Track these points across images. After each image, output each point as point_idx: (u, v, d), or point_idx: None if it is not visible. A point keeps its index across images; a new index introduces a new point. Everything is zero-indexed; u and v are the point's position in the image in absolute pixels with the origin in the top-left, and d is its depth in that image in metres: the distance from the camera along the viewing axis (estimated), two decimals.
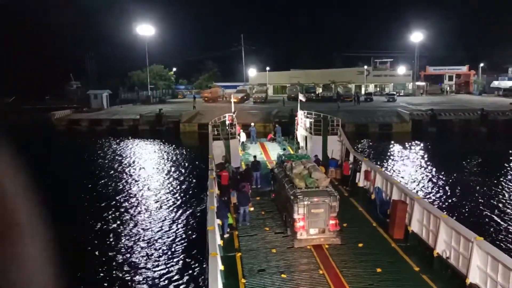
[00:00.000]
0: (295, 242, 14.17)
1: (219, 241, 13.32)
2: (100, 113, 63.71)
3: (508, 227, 20.81)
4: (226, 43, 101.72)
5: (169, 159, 38.58)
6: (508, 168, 33.13)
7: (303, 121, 29.47)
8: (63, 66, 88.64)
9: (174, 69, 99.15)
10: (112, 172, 34.08)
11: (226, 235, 15.09)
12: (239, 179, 19.64)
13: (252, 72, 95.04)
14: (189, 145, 47.35)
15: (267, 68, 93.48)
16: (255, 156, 23.10)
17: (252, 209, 17.56)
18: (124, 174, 33.19)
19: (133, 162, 37.92)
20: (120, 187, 29.41)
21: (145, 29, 77.57)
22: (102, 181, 30.99)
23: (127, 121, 57.27)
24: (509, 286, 9.82)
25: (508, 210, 23.29)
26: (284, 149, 26.77)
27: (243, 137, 30.77)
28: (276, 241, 14.80)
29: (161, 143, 47.08)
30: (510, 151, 38.39)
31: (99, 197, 26.89)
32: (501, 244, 18.29)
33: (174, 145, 45.23)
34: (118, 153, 42.28)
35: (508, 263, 9.98)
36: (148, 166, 35.85)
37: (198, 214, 22.29)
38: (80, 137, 53.82)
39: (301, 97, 32.75)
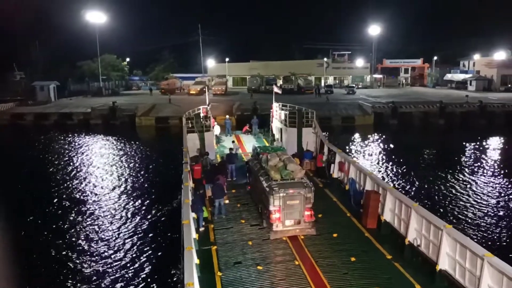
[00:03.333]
0: (271, 234, 14.25)
1: (194, 235, 13.34)
2: (47, 106, 59.02)
3: (475, 214, 21.42)
4: (183, 33, 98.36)
5: (128, 155, 36.03)
6: (468, 159, 34.32)
7: (278, 113, 29.26)
8: (4, 55, 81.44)
9: (128, 59, 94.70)
10: (64, 171, 31.02)
11: (201, 229, 14.95)
12: (214, 172, 19.03)
13: (210, 63, 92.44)
14: (147, 140, 44.94)
15: (227, 59, 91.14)
16: (231, 149, 23.00)
17: (227, 201, 17.47)
18: (80, 173, 30.34)
19: (88, 159, 34.92)
20: (78, 188, 26.75)
21: (96, 16, 72.98)
22: (53, 182, 27.95)
23: (78, 115, 53.32)
24: (476, 271, 10.09)
25: (473, 198, 23.95)
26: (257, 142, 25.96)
27: (217, 129, 30.26)
28: (252, 233, 14.83)
29: (116, 138, 43.89)
30: (469, 143, 39.78)
31: (52, 200, 24.13)
32: (469, 231, 18.95)
33: (131, 140, 42.40)
34: (70, 150, 38.85)
35: (475, 250, 10.25)
36: (105, 163, 33.18)
37: (172, 209, 21.49)
38: (25, 133, 49.29)
39: (276, 89, 32.65)
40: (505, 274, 9.22)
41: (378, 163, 32.78)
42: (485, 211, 21.87)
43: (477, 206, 22.56)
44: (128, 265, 16.37)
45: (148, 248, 17.75)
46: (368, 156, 35.62)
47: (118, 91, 79.35)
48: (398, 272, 12.01)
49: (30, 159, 35.40)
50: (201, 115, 27.58)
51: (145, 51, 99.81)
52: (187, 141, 23.72)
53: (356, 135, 45.12)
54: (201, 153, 23.39)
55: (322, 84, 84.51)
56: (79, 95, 72.33)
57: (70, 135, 45.70)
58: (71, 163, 33.39)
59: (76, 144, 41.61)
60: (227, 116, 35.81)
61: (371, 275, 11.83)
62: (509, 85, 77.49)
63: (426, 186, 26.37)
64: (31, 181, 28.15)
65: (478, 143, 40.08)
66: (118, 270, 16.02)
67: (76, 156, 36.02)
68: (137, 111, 51.77)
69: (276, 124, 29.82)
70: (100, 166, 32.28)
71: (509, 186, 26.31)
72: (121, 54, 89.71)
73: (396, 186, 25.87)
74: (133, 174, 29.76)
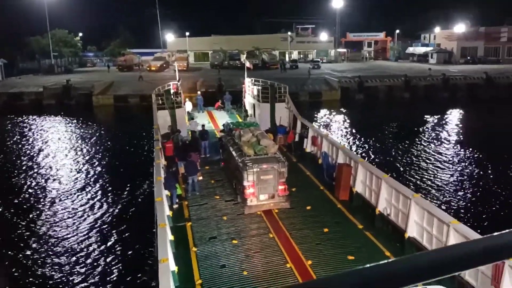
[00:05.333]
0: (246, 209, 14.42)
1: (168, 212, 13.27)
2: None
3: (441, 183, 22.13)
4: (139, 6, 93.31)
5: (89, 137, 33.84)
6: (433, 131, 35.18)
7: (250, 89, 29.20)
8: None
9: (80, 34, 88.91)
10: (18, 158, 28.40)
11: (175, 206, 14.96)
12: (186, 149, 18.92)
13: (170, 37, 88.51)
14: (107, 120, 42.50)
15: (187, 34, 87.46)
16: (203, 125, 22.82)
17: (201, 178, 17.44)
18: (37, 159, 27.90)
19: (45, 144, 32.24)
20: (37, 175, 24.49)
21: None
22: (6, 171, 25.35)
23: (29, 95, 49.23)
24: (443, 238, 10.51)
25: (439, 168, 24.67)
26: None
27: (188, 106, 29.63)
28: (227, 208, 15.00)
29: (73, 119, 40.99)
30: (433, 115, 40.51)
31: (6, 191, 21.72)
32: (435, 200, 19.50)
33: (89, 121, 39.84)
34: (22, 134, 35.77)
35: (442, 217, 10.70)
36: (65, 147, 30.89)
37: (145, 188, 21.15)
38: None
39: (247, 64, 32.22)
40: (469, 239, 8.88)
41: (347, 137, 32.87)
42: (450, 180, 22.74)
43: (442, 176, 23.35)
44: (102, 245, 16.02)
45: (121, 228, 17.23)
46: (337, 130, 35.55)
47: (72, 69, 74.54)
48: (369, 241, 12.52)
49: None
50: (171, 91, 26.76)
51: (99, 26, 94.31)
52: (158, 118, 23.30)
53: (324, 110, 44.70)
54: (172, 130, 22.82)
55: (287, 59, 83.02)
56: (29, 73, 67.15)
57: (21, 117, 42.16)
58: (25, 149, 30.69)
59: (29, 127, 38.49)
60: (199, 92, 35.22)
61: (343, 245, 12.28)
62: (468, 58, 79.02)
63: (394, 158, 27.03)
64: None
65: (441, 115, 41.05)
66: (93, 250, 15.66)
67: (30, 141, 33.24)
68: (93, 89, 48.53)
69: (248, 100, 29.54)
70: (60, 150, 29.98)
71: (473, 155, 27.16)
72: (72, 29, 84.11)
73: (366, 158, 25.96)
74: (98, 157, 27.99)
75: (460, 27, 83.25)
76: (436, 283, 10.78)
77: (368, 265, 0.91)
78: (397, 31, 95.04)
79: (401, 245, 12.07)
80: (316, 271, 10.94)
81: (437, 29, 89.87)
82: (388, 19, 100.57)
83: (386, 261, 0.92)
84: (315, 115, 41.64)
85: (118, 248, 15.69)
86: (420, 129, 35.48)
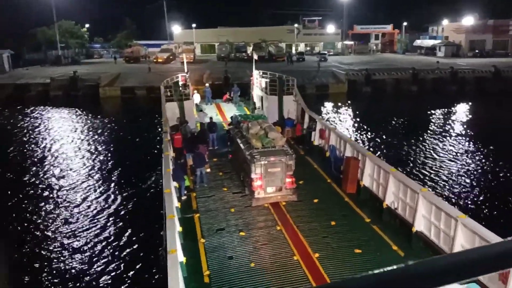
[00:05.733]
0: (253, 201, 14.45)
1: (176, 203, 13.44)
2: (1, 77, 54.48)
3: (449, 177, 22.11)
4: None
5: (96, 129, 33.95)
6: (441, 124, 35.02)
7: (258, 81, 29.01)
8: None
9: (87, 25, 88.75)
10: (26, 150, 28.57)
11: (183, 197, 15.04)
12: (194, 141, 19.02)
13: (176, 29, 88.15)
14: (115, 112, 42.55)
15: (193, 25, 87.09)
16: (211, 118, 22.82)
17: (209, 170, 17.48)
18: (46, 151, 28.09)
19: (54, 135, 32.38)
20: (45, 167, 24.66)
21: None
22: (14, 163, 25.59)
23: (36, 86, 49.31)
24: (450, 232, 10.50)
25: (447, 162, 24.67)
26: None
27: (197, 98, 29.68)
28: (234, 200, 15.04)
29: (80, 111, 41.11)
30: (441, 109, 40.33)
31: (15, 184, 21.94)
32: (444, 194, 19.52)
33: (97, 113, 39.96)
34: (30, 125, 35.91)
35: (450, 211, 10.69)
36: (73, 139, 31.05)
37: (153, 180, 21.24)
38: None
39: (255, 56, 32.12)
40: (477, 234, 9.51)
41: (354, 131, 32.71)
42: (458, 175, 22.65)
43: (450, 170, 23.31)
44: (111, 235, 16.17)
45: (130, 219, 17.38)
46: (344, 123, 35.39)
47: (79, 60, 74.63)
48: (376, 234, 12.51)
49: None
50: (180, 83, 26.83)
51: (106, 17, 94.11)
52: (166, 110, 23.34)
53: (331, 103, 44.49)
54: (180, 122, 22.93)
55: (293, 51, 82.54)
56: (36, 64, 67.21)
57: (28, 109, 42.36)
58: (33, 140, 30.88)
59: (37, 118, 38.67)
60: (207, 85, 35.04)
61: (350, 238, 12.28)
62: (477, 51, 78.17)
63: (401, 151, 26.95)
64: None
65: (449, 108, 41.00)
66: (101, 240, 15.78)
67: (37, 132, 33.43)
68: (100, 81, 48.59)
69: (257, 92, 29.45)
70: (67, 142, 30.17)
71: (481, 149, 27.02)
72: (79, 20, 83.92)
73: (374, 152, 25.66)
74: (106, 148, 28.15)
75: (468, 20, 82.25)
76: None
77: (386, 269, 0.89)
78: (405, 23, 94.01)
79: (408, 239, 12.02)
80: (323, 264, 10.95)
81: (445, 22, 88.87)
82: (395, 11, 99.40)
83: (410, 263, 0.91)
84: (322, 108, 41.49)
85: (126, 239, 15.83)
86: (428, 122, 35.31)
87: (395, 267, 0.91)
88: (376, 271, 0.89)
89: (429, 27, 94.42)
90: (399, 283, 0.89)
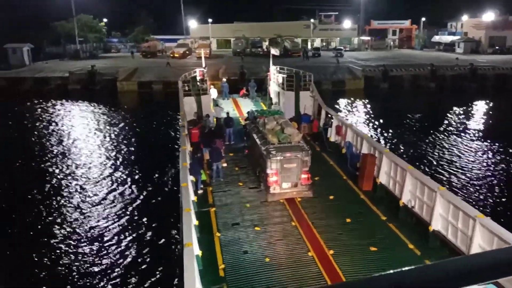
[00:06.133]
0: (268, 196, 14.47)
1: (193, 197, 13.53)
2: (21, 71, 55.52)
3: (467, 176, 21.83)
4: None
5: (114, 123, 34.49)
6: (460, 122, 34.49)
7: (275, 77, 29.10)
8: None
9: (105, 20, 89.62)
10: (46, 142, 29.17)
11: (200, 191, 15.17)
12: (211, 135, 19.08)
13: (193, 24, 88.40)
14: (132, 106, 42.98)
15: (210, 20, 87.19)
16: (227, 113, 22.80)
17: (225, 165, 17.62)
18: (65, 143, 28.68)
19: (73, 128, 33.08)
20: (66, 159, 25.24)
21: None
22: (34, 155, 26.14)
23: (55, 80, 50.29)
24: (468, 232, 10.38)
25: (465, 160, 24.42)
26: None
27: (214, 93, 29.68)
28: (250, 195, 15.09)
29: (98, 104, 41.71)
30: (460, 107, 39.51)
31: (36, 175, 22.52)
32: (462, 193, 19.28)
33: (114, 107, 40.57)
34: (49, 118, 36.65)
35: (468, 211, 10.54)
36: (92, 132, 31.62)
37: (170, 174, 21.56)
38: None
39: (273, 51, 32.00)
40: (496, 235, 9.41)
41: (371, 127, 32.45)
42: (477, 173, 22.35)
43: (469, 169, 23.00)
44: (128, 228, 16.42)
45: (147, 212, 17.64)
46: (360, 120, 35.15)
47: (97, 54, 75.60)
48: (392, 232, 12.40)
49: (4, 129, 32.87)
50: (198, 78, 27.02)
51: (123, 12, 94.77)
52: (184, 104, 23.45)
53: (348, 100, 44.19)
54: (198, 116, 23.17)
55: (309, 46, 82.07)
56: (55, 58, 68.32)
57: (47, 102, 43.15)
58: (52, 134, 31.45)
59: (56, 112, 39.36)
60: (224, 80, 35.17)
61: (366, 235, 12.15)
62: (497, 48, 76.55)
63: (419, 149, 26.65)
64: (7, 155, 26.16)
65: (469, 106, 40.20)
66: (118, 233, 16.03)
67: (57, 125, 34.12)
68: (118, 75, 49.20)
69: (273, 88, 29.49)
70: (86, 135, 30.69)
71: (501, 148, 26.58)
72: (97, 15, 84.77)
73: (391, 149, 25.45)
74: (124, 142, 28.58)
75: (488, 16, 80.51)
76: None
77: (404, 269, 0.88)
78: (423, 19, 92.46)
79: (425, 237, 11.91)
80: (338, 261, 10.92)
81: (464, 17, 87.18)
82: (414, 6, 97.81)
83: (429, 263, 0.89)
84: (339, 104, 41.26)
85: (143, 232, 16.15)
86: (447, 120, 34.87)
87: (413, 267, 0.89)
88: (392, 271, 0.88)
89: (448, 22, 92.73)
90: (417, 284, 0.86)
